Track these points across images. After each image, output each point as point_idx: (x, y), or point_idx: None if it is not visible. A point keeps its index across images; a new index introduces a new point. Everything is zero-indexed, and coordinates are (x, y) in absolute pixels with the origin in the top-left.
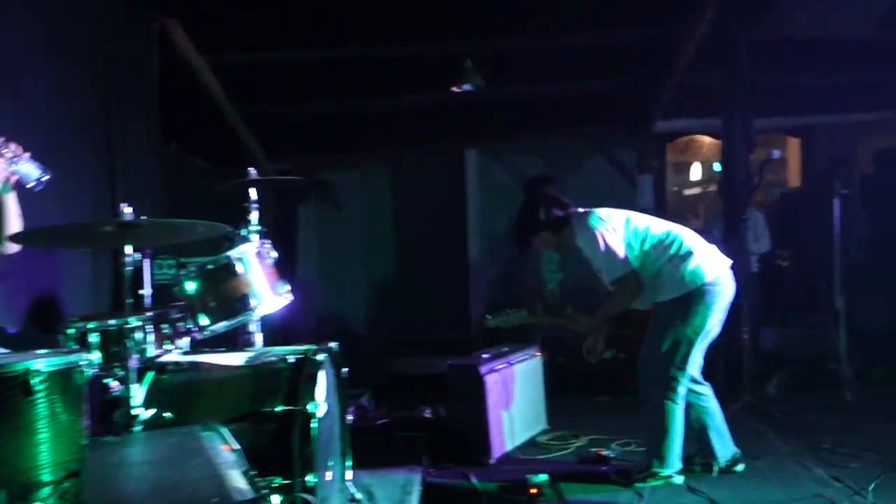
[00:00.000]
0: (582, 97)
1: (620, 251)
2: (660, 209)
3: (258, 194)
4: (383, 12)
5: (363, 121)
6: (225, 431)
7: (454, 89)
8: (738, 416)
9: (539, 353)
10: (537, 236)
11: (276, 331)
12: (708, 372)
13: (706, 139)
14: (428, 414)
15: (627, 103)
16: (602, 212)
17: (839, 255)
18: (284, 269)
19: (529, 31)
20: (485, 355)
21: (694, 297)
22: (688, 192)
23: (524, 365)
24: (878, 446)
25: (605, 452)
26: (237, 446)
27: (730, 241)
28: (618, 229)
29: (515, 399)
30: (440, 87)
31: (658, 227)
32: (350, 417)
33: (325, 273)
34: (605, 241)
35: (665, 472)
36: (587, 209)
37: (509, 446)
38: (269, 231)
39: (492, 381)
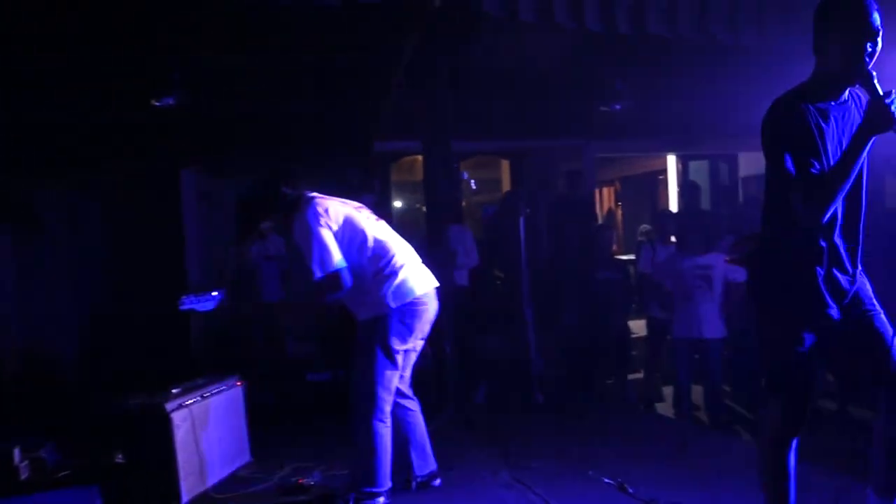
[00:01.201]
0: (303, 116)
1: (329, 248)
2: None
3: None
4: (89, 17)
5: (62, 138)
6: None
7: (154, 103)
8: (442, 428)
9: (240, 383)
10: (268, 218)
11: None
12: (417, 385)
13: None
14: (120, 459)
15: (348, 124)
16: (325, 203)
17: (525, 269)
18: None
19: (246, 47)
20: (175, 390)
21: (394, 316)
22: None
23: (222, 396)
24: (560, 444)
25: (304, 480)
26: None
27: (433, 257)
28: (334, 226)
29: (211, 434)
30: (148, 101)
31: (380, 236)
32: None
33: (25, 305)
34: (318, 233)
35: (374, 491)
36: (315, 196)
37: (204, 486)
38: None
39: (179, 419)
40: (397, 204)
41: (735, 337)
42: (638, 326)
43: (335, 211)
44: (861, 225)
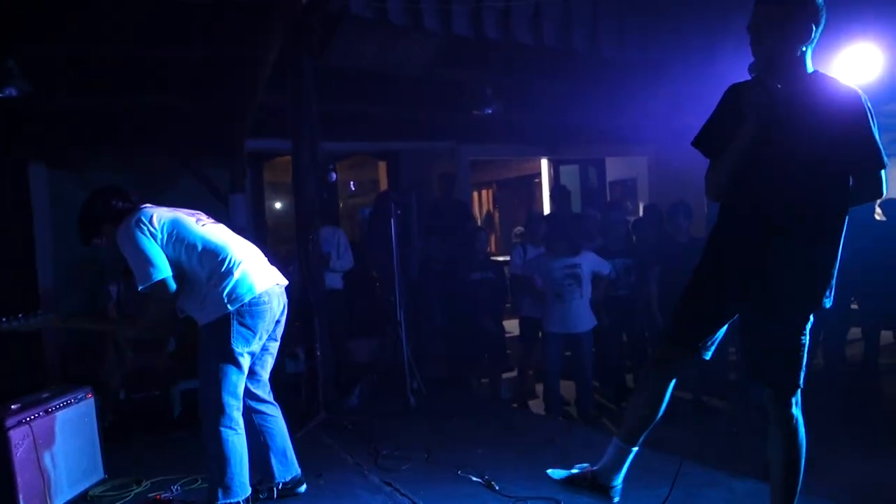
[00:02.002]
0: (167, 112)
1: (151, 256)
2: (258, 228)
3: None
4: None
5: None
6: None
7: None
8: (313, 433)
9: (91, 395)
10: (100, 232)
11: None
12: (289, 390)
13: None
14: None
15: (214, 121)
16: (151, 211)
17: (397, 271)
18: None
19: (98, 36)
20: (14, 405)
21: (233, 318)
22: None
23: (70, 410)
24: (431, 445)
25: (163, 496)
26: None
27: (300, 258)
28: (157, 233)
29: (59, 450)
30: None
31: (213, 238)
32: None
33: None
34: (138, 242)
35: (232, 501)
36: (144, 206)
37: None
38: None
39: (19, 436)
40: (276, 205)
41: (601, 332)
42: (511, 326)
43: (160, 217)
44: (812, 222)
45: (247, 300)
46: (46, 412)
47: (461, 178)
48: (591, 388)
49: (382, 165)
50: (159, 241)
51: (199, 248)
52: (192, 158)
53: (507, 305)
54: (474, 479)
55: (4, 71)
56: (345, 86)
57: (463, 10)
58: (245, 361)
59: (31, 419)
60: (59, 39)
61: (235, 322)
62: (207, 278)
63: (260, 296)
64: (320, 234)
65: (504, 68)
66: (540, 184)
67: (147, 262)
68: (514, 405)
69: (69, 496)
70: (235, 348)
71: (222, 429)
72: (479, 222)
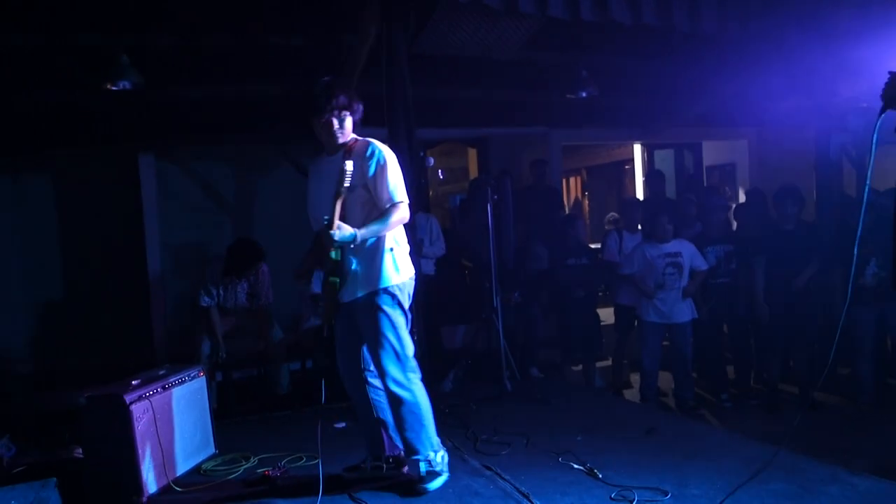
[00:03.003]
0: (268, 101)
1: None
2: None
3: None
4: None
5: (11, 118)
6: None
7: (110, 87)
8: None
9: (203, 374)
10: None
11: None
12: None
13: None
14: (79, 453)
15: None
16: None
17: (494, 257)
18: None
19: (198, 27)
20: (134, 381)
21: (393, 293)
22: None
23: (184, 387)
24: (528, 431)
25: (271, 472)
26: None
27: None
28: None
29: (175, 425)
30: (97, 83)
31: None
32: None
33: None
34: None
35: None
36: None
37: (167, 479)
38: None
39: (140, 410)
40: None
41: (700, 322)
42: (606, 314)
43: None
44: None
45: (404, 279)
46: (164, 388)
47: (553, 165)
48: (691, 380)
49: (472, 152)
50: None
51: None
52: (290, 147)
53: (601, 294)
54: (575, 466)
55: (119, 65)
56: (434, 71)
57: None
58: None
59: (150, 394)
60: (165, 29)
61: (397, 296)
62: (386, 241)
63: (411, 278)
64: (415, 221)
65: (597, 49)
66: (631, 170)
67: (402, 183)
68: (610, 393)
69: (184, 469)
70: (398, 323)
71: (414, 390)
72: (566, 210)
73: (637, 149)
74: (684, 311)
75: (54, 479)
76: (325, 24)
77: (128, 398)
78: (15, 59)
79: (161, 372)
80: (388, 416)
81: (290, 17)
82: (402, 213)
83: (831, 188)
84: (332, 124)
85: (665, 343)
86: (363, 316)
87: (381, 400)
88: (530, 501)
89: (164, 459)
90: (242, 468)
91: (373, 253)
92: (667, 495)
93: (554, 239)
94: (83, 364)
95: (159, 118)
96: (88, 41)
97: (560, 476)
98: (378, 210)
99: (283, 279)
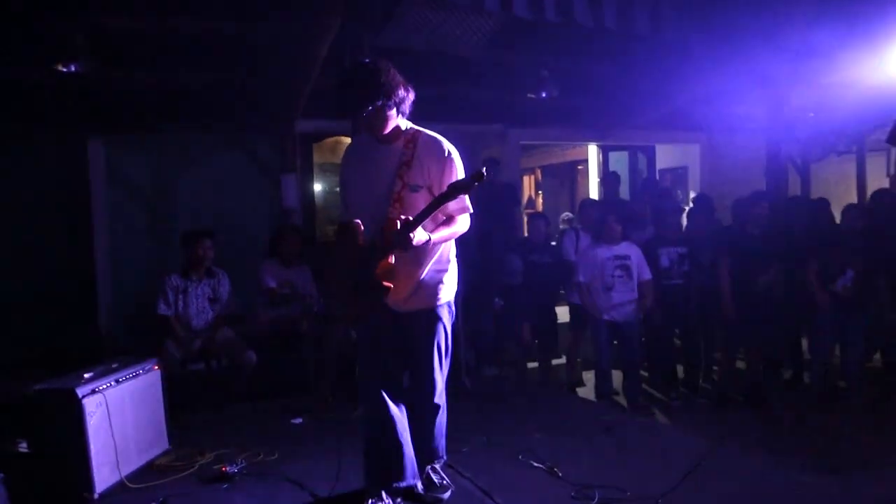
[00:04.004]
0: (220, 91)
1: None
2: (306, 210)
3: None
4: None
5: None
6: None
7: (60, 68)
8: None
9: (157, 367)
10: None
11: None
12: None
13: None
14: (24, 448)
15: (267, 100)
16: None
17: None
18: None
19: (152, 12)
20: (87, 374)
21: (450, 305)
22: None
23: (138, 381)
24: (488, 429)
25: (228, 468)
26: None
27: None
28: None
29: (126, 420)
30: (48, 65)
31: None
32: None
33: None
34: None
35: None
36: None
37: (119, 475)
38: None
39: (93, 404)
40: (317, 187)
41: (650, 321)
42: (562, 312)
43: None
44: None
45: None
46: (117, 382)
47: (510, 162)
48: (638, 378)
49: None
50: None
51: None
52: (244, 136)
53: (562, 292)
54: (536, 464)
55: (73, 45)
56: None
57: None
58: None
59: (103, 388)
60: (119, 13)
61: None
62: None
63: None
64: None
65: (556, 50)
66: (584, 170)
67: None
68: (565, 390)
69: (137, 465)
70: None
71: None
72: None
73: (592, 149)
74: (631, 312)
75: (1, 474)
76: (284, 15)
77: (80, 392)
78: None
79: (114, 365)
80: (407, 436)
81: (248, 6)
82: (468, 223)
83: (779, 194)
84: (386, 108)
85: (615, 342)
86: (420, 328)
87: (403, 419)
88: (491, 499)
89: (117, 455)
90: (198, 465)
91: (440, 263)
92: (626, 493)
93: (513, 231)
94: (26, 354)
95: (108, 103)
96: (42, 19)
97: (522, 474)
98: (443, 215)
99: (235, 269)
